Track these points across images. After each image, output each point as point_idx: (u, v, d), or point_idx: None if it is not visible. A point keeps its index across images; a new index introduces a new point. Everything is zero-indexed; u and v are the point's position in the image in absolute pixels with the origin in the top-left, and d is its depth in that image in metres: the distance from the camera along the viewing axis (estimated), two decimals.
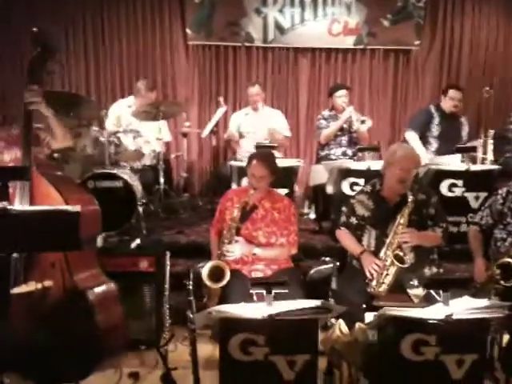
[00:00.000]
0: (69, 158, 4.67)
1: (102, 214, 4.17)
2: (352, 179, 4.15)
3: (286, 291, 2.36)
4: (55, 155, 4.60)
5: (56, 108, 4.47)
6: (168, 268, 2.62)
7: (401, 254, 2.89)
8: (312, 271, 3.64)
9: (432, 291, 2.71)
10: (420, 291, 2.98)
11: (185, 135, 4.97)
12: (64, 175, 2.71)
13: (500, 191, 3.32)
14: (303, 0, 5.92)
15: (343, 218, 3.23)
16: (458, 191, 4.12)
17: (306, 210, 5.24)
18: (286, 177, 4.17)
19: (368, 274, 2.94)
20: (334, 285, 2.91)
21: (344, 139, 5.10)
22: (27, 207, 2.19)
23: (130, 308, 3.13)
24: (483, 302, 2.43)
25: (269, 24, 5.98)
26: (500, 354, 2.67)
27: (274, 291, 2.30)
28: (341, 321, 2.72)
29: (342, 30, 6.01)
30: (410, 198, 2.93)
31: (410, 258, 2.99)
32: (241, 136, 5.20)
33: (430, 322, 2.28)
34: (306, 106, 6.19)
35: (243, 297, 2.67)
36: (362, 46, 6.06)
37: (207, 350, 3.07)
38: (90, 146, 4.40)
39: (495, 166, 4.33)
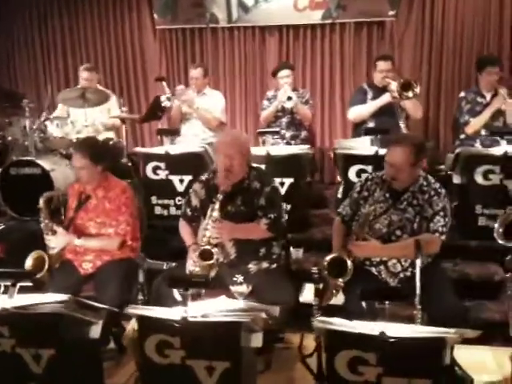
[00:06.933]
0: (14, 145, 4.92)
1: (22, 200, 4.42)
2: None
3: (31, 284, 2.32)
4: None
5: None
6: None
7: (208, 248, 2.70)
8: None
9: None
10: (244, 288, 2.79)
11: (123, 121, 4.96)
12: None
13: (361, 178, 2.99)
14: None
15: (182, 209, 3.09)
16: None
17: None
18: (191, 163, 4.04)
19: (187, 269, 2.80)
20: (141, 278, 2.79)
21: (284, 121, 4.86)
22: None
23: None
24: (239, 303, 2.24)
25: (232, 3, 5.77)
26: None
27: (19, 284, 2.29)
28: None
29: (309, 4, 5.65)
30: (221, 189, 2.72)
31: (231, 253, 2.83)
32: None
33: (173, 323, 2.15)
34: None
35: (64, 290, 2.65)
36: (330, 21, 5.66)
37: None
38: (19, 135, 4.58)
39: None
